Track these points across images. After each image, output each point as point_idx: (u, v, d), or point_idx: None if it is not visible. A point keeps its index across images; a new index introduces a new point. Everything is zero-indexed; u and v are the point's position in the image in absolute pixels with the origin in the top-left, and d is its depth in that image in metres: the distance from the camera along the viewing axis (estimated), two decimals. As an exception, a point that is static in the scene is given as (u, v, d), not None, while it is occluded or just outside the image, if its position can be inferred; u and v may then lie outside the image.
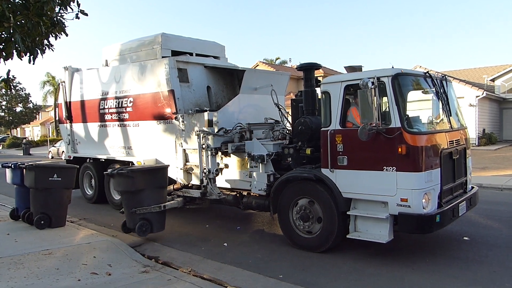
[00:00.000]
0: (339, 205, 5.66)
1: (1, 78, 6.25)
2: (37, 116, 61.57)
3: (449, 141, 5.76)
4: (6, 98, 53.37)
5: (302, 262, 5.67)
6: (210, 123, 7.20)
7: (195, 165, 7.84)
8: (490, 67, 31.88)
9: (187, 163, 7.97)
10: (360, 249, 5.95)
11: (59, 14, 6.15)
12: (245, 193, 7.32)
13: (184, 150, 7.97)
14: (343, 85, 5.72)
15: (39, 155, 32.59)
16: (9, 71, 6.17)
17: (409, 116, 5.58)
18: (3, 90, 46.89)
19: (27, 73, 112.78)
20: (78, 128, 10.59)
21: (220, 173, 7.35)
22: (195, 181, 7.88)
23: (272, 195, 6.48)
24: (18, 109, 55.34)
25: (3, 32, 5.66)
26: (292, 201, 6.22)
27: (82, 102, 10.29)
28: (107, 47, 10.10)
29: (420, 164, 5.14)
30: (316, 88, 6.80)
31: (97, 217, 8.89)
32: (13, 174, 8.07)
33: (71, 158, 10.79)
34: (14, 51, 5.81)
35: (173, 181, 8.16)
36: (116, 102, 9.25)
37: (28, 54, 5.97)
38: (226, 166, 7.51)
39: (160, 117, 8.27)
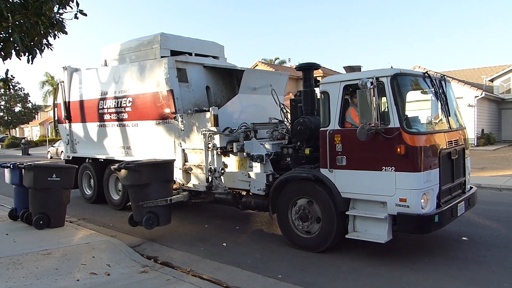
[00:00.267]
0: (338, 205, 5.67)
1: (0, 77, 6.24)
2: (36, 116, 61.51)
3: (448, 141, 5.77)
4: (5, 98, 53.31)
5: (301, 262, 5.67)
6: (216, 118, 7.20)
7: (194, 165, 7.84)
8: (489, 68, 31.94)
9: (186, 163, 7.96)
10: (359, 249, 5.95)
11: (58, 14, 6.15)
12: (244, 193, 7.32)
13: (183, 150, 7.96)
14: (342, 85, 5.73)
15: (38, 155, 32.56)
16: (7, 70, 6.18)
17: (408, 116, 5.58)
18: (2, 90, 46.80)
19: (26, 73, 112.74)
20: (77, 128, 10.58)
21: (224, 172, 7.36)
22: (194, 181, 7.87)
23: (271, 195, 6.47)
24: (17, 109, 55.30)
25: (2, 32, 5.66)
26: (291, 201, 6.22)
27: (81, 102, 10.28)
28: (106, 47, 10.09)
29: (419, 164, 5.15)
30: (315, 88, 6.81)
31: (96, 217, 8.88)
32: (12, 174, 8.06)
33: (70, 158, 10.79)
34: (13, 50, 5.81)
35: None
36: (115, 102, 9.24)
37: (26, 53, 5.97)
38: (225, 165, 7.51)
39: (159, 117, 8.27)
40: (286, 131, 7.17)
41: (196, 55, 9.05)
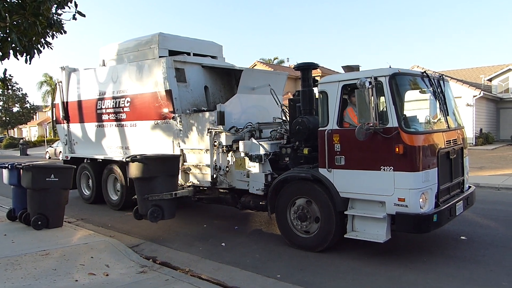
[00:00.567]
0: (337, 205, 5.67)
1: (-2, 77, 6.23)
2: (34, 116, 61.35)
3: (446, 141, 5.77)
4: (2, 98, 53.16)
5: (300, 261, 5.68)
6: (222, 116, 7.23)
7: (193, 165, 7.84)
8: (487, 67, 32.00)
9: (184, 163, 7.96)
10: (357, 249, 5.95)
11: (56, 14, 6.13)
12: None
13: (182, 150, 7.96)
14: (341, 84, 5.73)
15: (36, 155, 32.49)
16: (5, 70, 6.16)
17: (407, 115, 5.59)
18: (0, 90, 46.68)
19: (24, 73, 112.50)
20: (75, 128, 10.57)
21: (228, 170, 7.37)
22: (193, 180, 7.87)
23: (269, 195, 6.47)
24: (15, 109, 55.15)
25: (0, 32, 5.64)
26: (289, 201, 6.22)
27: (79, 102, 10.26)
28: (104, 47, 10.08)
29: (418, 164, 5.15)
30: (313, 88, 6.81)
31: (95, 217, 8.86)
32: (10, 175, 8.03)
33: (69, 159, 10.76)
34: (11, 50, 5.79)
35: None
36: (113, 102, 9.23)
37: (24, 54, 5.95)
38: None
39: (158, 117, 8.26)
40: (285, 131, 7.17)
41: (195, 55, 9.04)
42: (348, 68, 6.21)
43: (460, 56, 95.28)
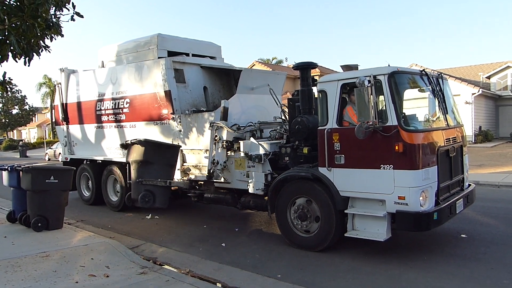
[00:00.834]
0: (337, 204, 5.67)
1: (-2, 80, 6.22)
2: (34, 118, 61.33)
3: (446, 139, 5.78)
4: (2, 101, 53.13)
5: (300, 261, 5.67)
6: (226, 111, 7.20)
7: (192, 166, 7.84)
8: (485, 65, 32.01)
9: (184, 164, 7.95)
10: (358, 248, 5.95)
11: (54, 16, 6.13)
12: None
13: (181, 150, 7.95)
14: (340, 83, 5.73)
15: (36, 157, 32.47)
16: (5, 73, 6.16)
17: (406, 114, 5.59)
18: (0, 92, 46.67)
19: (23, 75, 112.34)
20: (75, 129, 10.56)
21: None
22: (190, 177, 7.86)
23: (269, 194, 6.47)
24: (14, 111, 55.11)
25: (-2, 34, 5.63)
26: (289, 201, 6.22)
27: (79, 104, 10.26)
28: (103, 48, 10.07)
29: (417, 162, 5.15)
30: (312, 87, 6.80)
31: (95, 219, 8.86)
32: (10, 177, 8.02)
33: (68, 160, 10.76)
34: (10, 53, 5.78)
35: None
36: (112, 103, 9.23)
37: (23, 56, 5.94)
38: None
39: (157, 118, 8.26)
40: (284, 130, 7.17)
41: (193, 55, 9.04)
42: (347, 67, 6.20)
43: (459, 55, 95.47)
